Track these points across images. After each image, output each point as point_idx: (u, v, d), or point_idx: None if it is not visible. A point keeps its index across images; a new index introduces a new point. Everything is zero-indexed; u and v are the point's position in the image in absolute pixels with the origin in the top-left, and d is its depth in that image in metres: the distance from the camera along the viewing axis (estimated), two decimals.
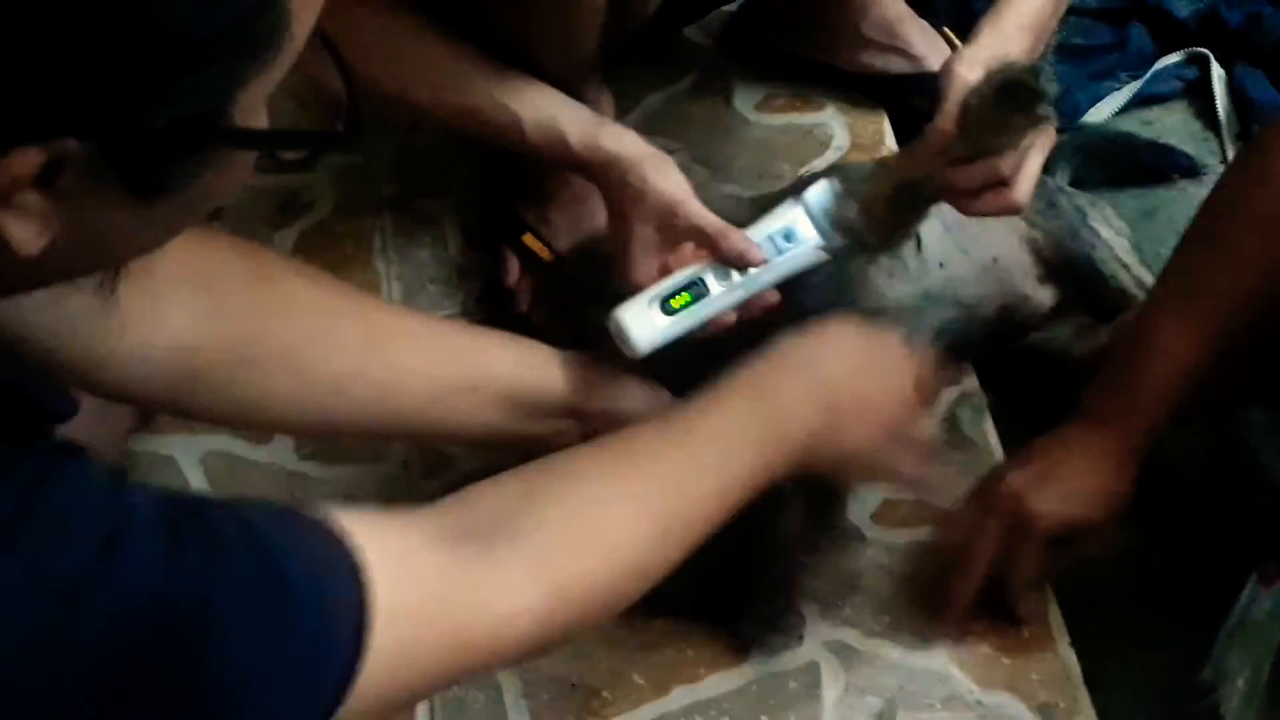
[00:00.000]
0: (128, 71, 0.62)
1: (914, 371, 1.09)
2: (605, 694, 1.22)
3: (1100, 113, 1.75)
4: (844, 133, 1.64)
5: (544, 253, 1.45)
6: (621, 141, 1.20)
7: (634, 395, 1.19)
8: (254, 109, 0.68)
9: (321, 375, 1.07)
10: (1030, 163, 1.19)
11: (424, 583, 0.79)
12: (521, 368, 1.15)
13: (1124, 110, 1.76)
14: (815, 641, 1.25)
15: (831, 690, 1.23)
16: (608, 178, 1.19)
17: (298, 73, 0.69)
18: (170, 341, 0.98)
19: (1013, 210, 1.20)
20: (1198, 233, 1.24)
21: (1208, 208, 1.24)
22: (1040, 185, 1.33)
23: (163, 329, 0.98)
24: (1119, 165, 1.67)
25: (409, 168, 1.61)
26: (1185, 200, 1.66)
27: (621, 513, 0.90)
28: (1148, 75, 1.77)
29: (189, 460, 1.36)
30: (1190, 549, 1.37)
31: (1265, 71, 1.76)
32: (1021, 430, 1.36)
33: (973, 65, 1.17)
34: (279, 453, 1.37)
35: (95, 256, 0.71)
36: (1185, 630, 1.29)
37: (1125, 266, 1.43)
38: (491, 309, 1.48)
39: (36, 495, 0.67)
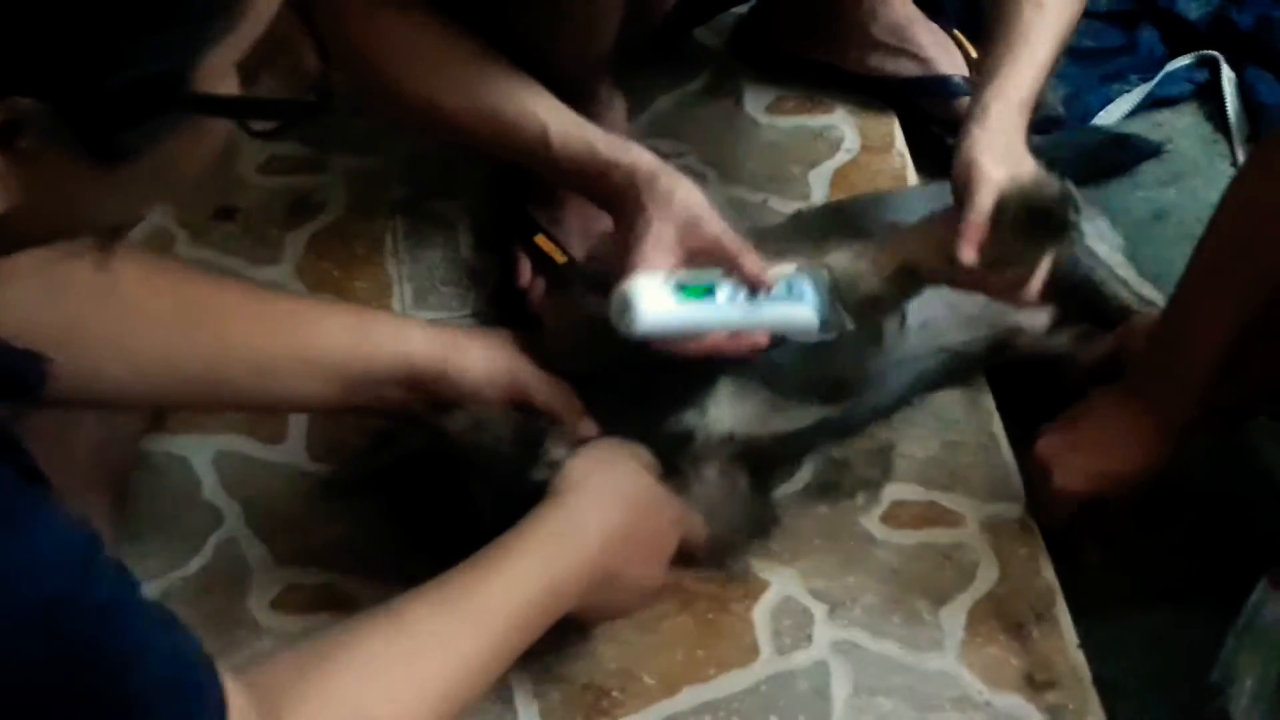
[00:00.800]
0: (84, 29, 0.62)
1: (680, 537, 1.19)
2: (615, 694, 1.22)
3: (1110, 115, 1.75)
4: (854, 135, 1.64)
5: (557, 254, 1.45)
6: (649, 154, 1.22)
7: (475, 367, 1.19)
8: (221, 75, 0.68)
9: (144, 354, 1.09)
10: (1044, 264, 1.23)
11: None
12: (351, 338, 1.16)
13: (1134, 113, 1.76)
14: (825, 642, 1.26)
15: (841, 690, 1.23)
16: (634, 180, 1.21)
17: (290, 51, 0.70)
18: (11, 329, 0.96)
19: (1019, 303, 1.26)
20: (1224, 217, 1.25)
21: (1229, 199, 1.25)
22: None
23: (5, 317, 0.95)
24: (1081, 164, 1.61)
25: (421, 169, 1.61)
26: (1195, 203, 1.66)
27: (399, 705, 0.93)
28: (1158, 78, 1.78)
29: (201, 460, 1.36)
30: (1199, 551, 1.37)
31: (1276, 74, 1.76)
32: (1030, 437, 1.37)
33: (994, 154, 1.19)
34: (292, 452, 1.37)
35: (59, 222, 0.71)
36: (1194, 632, 1.29)
37: (1124, 283, 1.43)
38: (503, 310, 1.48)
39: (22, 517, 0.71)
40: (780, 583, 1.29)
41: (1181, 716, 1.25)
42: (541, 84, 1.28)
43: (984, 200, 1.18)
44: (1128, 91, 1.77)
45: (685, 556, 1.22)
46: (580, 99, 1.48)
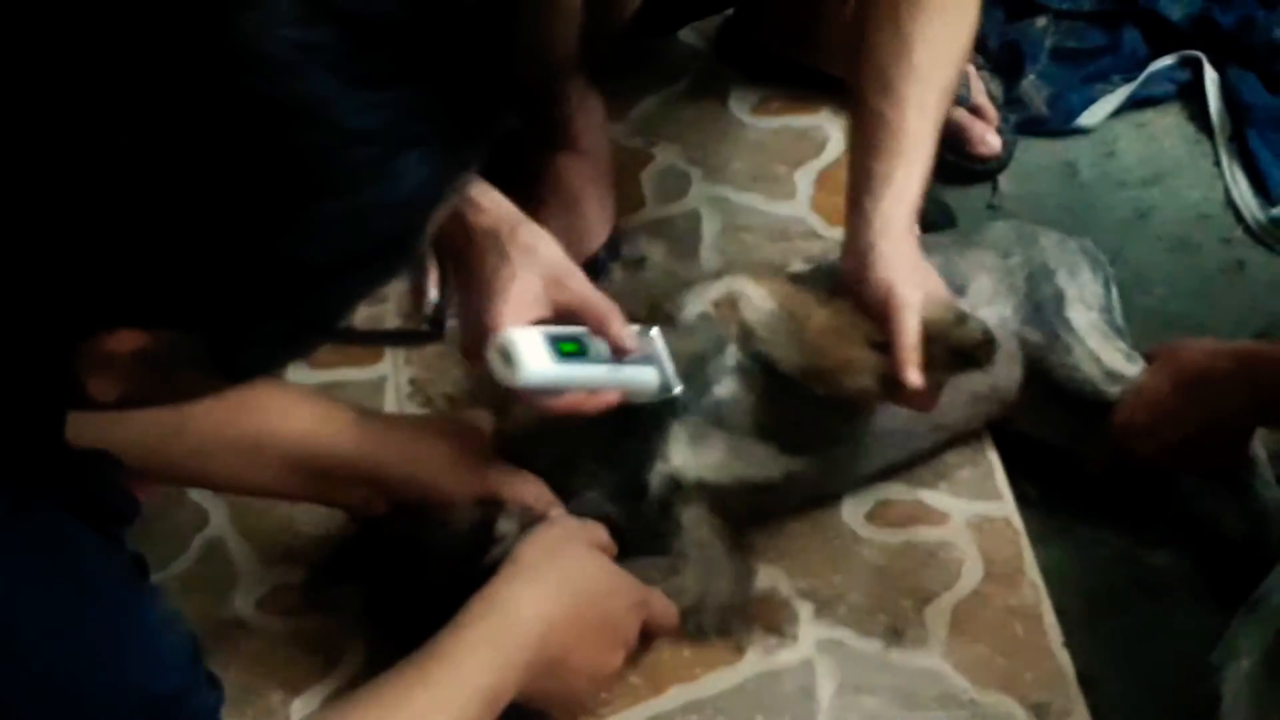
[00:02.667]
0: (255, 286, 0.64)
1: (642, 620, 1.17)
2: (602, 692, 1.22)
3: (1094, 116, 1.76)
4: (839, 135, 1.65)
5: None
6: (509, 205, 1.18)
7: (443, 472, 1.17)
8: (356, 309, 0.71)
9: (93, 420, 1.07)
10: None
11: None
12: (309, 430, 1.13)
13: (1118, 113, 1.77)
14: (810, 640, 1.26)
15: (826, 689, 1.23)
16: (496, 233, 1.16)
17: None
18: None
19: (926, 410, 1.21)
20: None
21: None
22: (1021, 277, 1.35)
23: None
24: None
25: None
26: (1177, 202, 1.68)
27: None
28: (1141, 78, 1.78)
29: None
30: (1183, 549, 1.38)
31: (1257, 74, 1.77)
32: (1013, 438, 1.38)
33: (906, 276, 1.16)
34: None
35: (160, 403, 0.74)
36: (1177, 630, 1.30)
37: (1096, 359, 1.34)
38: None
39: (135, 613, 0.75)
40: (766, 581, 1.29)
41: (1165, 713, 1.25)
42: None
43: (910, 327, 1.15)
44: (1111, 92, 1.78)
45: (657, 635, 1.21)
46: (548, 102, 1.48)
